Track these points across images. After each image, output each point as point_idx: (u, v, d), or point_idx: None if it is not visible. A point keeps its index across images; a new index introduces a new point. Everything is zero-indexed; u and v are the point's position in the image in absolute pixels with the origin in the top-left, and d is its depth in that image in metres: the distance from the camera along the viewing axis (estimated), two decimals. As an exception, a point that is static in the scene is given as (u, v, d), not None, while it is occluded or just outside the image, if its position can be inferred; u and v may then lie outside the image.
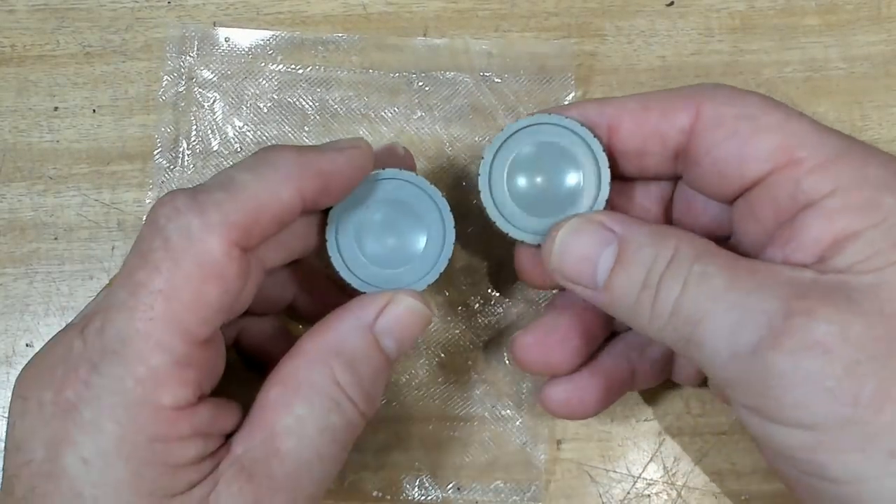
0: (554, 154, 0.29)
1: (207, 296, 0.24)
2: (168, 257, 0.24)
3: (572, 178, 0.29)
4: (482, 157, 0.29)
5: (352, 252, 0.29)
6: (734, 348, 0.24)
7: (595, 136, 0.29)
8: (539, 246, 0.29)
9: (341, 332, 0.27)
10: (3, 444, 0.31)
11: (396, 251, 0.29)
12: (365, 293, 0.28)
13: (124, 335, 0.24)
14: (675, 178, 0.30)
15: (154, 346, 0.23)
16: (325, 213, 0.29)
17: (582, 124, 0.29)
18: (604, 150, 0.29)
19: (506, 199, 0.29)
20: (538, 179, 0.29)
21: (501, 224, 0.29)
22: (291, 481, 0.25)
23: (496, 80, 0.36)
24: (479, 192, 0.29)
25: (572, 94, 0.36)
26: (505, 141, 0.29)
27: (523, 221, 0.29)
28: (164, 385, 0.24)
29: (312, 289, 0.32)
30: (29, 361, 0.25)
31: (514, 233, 0.29)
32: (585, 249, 0.27)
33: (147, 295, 0.24)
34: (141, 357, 0.23)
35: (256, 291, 0.27)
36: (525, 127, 0.29)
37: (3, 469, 0.25)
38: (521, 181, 0.29)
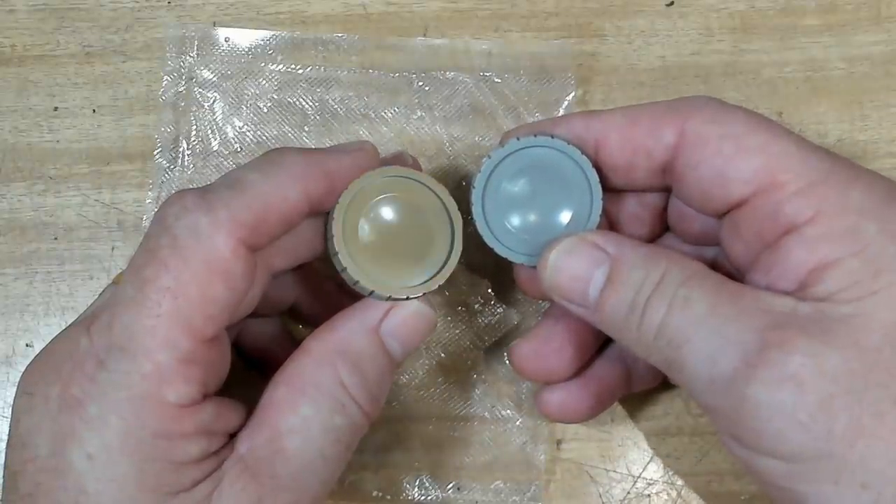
0: (545, 175, 0.29)
1: (214, 294, 0.24)
2: (176, 255, 0.24)
3: (564, 199, 0.29)
4: (473, 186, 0.29)
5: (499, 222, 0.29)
6: (712, 376, 0.24)
7: (584, 155, 0.29)
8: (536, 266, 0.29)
9: (347, 334, 0.27)
10: (2, 444, 0.31)
11: None
12: (369, 297, 0.28)
13: (131, 331, 0.24)
14: (665, 190, 0.30)
15: (160, 343, 0.24)
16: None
17: (570, 143, 0.29)
18: (593, 169, 0.29)
19: (501, 224, 0.29)
20: (531, 202, 0.29)
21: (499, 249, 0.29)
22: (295, 481, 0.25)
23: (496, 80, 0.36)
24: (473, 219, 0.29)
25: (572, 94, 0.36)
26: (495, 167, 0.29)
27: (520, 244, 0.29)
28: (170, 382, 0.24)
29: (315, 291, 0.32)
30: (35, 357, 0.26)
31: (512, 257, 0.29)
32: (578, 269, 0.27)
33: (155, 292, 0.24)
34: (147, 353, 0.23)
35: (262, 294, 0.27)
36: (514, 151, 0.29)
37: (7, 465, 0.25)
38: (515, 205, 0.29)
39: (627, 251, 0.27)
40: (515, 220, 0.29)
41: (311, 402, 0.26)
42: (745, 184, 0.26)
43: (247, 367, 0.32)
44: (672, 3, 0.37)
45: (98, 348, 0.24)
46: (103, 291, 0.28)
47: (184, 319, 0.24)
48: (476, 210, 0.29)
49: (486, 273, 0.35)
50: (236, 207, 0.25)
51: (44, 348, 0.26)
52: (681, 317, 0.25)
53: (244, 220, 0.25)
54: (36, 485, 0.24)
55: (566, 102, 0.36)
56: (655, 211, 0.31)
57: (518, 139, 0.29)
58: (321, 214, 0.28)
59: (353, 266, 0.27)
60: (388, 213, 0.29)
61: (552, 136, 0.29)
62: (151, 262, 0.24)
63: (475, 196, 0.29)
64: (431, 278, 0.28)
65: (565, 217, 0.29)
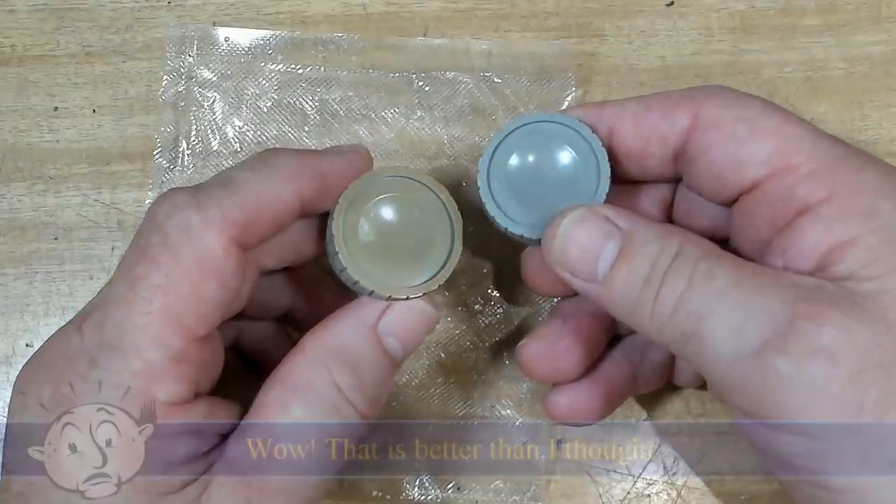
0: (553, 150, 0.29)
1: (205, 292, 0.24)
2: (167, 252, 0.24)
3: (572, 174, 0.29)
4: (481, 155, 0.29)
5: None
6: (737, 349, 0.24)
7: (594, 133, 0.28)
8: (539, 242, 0.28)
9: (342, 333, 0.27)
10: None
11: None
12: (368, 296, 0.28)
13: (122, 329, 0.24)
14: (676, 181, 0.30)
15: (151, 341, 0.23)
16: (324, 219, 0.29)
17: (581, 121, 0.29)
18: (602, 146, 0.28)
19: (505, 196, 0.29)
20: (537, 176, 0.29)
21: (500, 219, 0.29)
22: (286, 484, 0.25)
23: (496, 80, 0.36)
24: (478, 188, 0.29)
25: (572, 94, 0.36)
26: (504, 139, 0.29)
27: (523, 217, 0.29)
28: (160, 380, 0.24)
29: (311, 296, 0.32)
30: (30, 357, 0.25)
31: (512, 227, 0.29)
32: (588, 240, 0.26)
33: (145, 289, 0.24)
34: (138, 351, 0.23)
35: (251, 293, 0.27)
36: (524, 125, 0.29)
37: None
38: (521, 178, 0.29)
39: (640, 226, 0.26)
40: (521, 194, 0.29)
41: (303, 403, 0.25)
42: (759, 166, 0.26)
43: (247, 369, 0.32)
44: (672, 3, 0.37)
45: (89, 346, 0.24)
46: (101, 291, 0.28)
47: (175, 317, 0.24)
48: (481, 180, 0.29)
49: (487, 273, 0.35)
50: (228, 206, 0.24)
51: (39, 347, 0.25)
52: (702, 290, 0.24)
53: (236, 218, 0.24)
54: (28, 484, 0.24)
55: (566, 102, 0.36)
56: (663, 205, 0.31)
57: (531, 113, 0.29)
58: (312, 216, 0.28)
59: (353, 266, 0.27)
60: (388, 213, 0.29)
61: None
62: (142, 259, 0.24)
63: (481, 167, 0.29)
64: (431, 278, 0.28)
65: (572, 193, 0.29)
